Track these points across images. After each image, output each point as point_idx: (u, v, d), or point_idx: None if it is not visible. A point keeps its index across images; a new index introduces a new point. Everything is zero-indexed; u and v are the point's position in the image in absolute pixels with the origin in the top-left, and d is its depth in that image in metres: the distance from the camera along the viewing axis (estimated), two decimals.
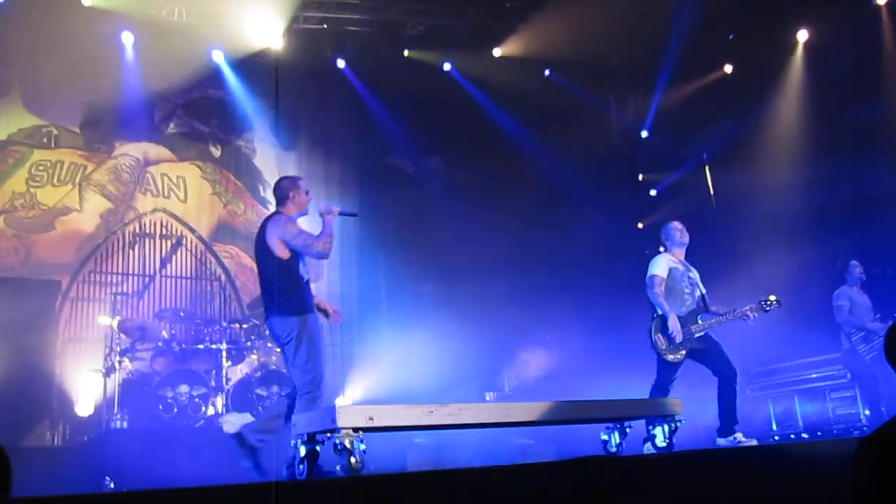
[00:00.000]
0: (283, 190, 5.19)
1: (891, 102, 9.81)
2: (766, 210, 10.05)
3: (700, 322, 6.00)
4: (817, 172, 9.92)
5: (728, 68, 11.11)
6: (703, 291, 6.25)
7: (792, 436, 8.42)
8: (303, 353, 4.72)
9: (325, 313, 5.19)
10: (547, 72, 11.40)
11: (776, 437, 8.54)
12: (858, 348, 7.21)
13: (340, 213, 5.16)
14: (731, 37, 10.61)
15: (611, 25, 10.03)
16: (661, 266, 6.10)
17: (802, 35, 10.40)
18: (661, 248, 6.45)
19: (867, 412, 7.66)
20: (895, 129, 9.82)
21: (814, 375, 8.63)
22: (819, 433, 8.12)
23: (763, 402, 8.93)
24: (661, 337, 5.89)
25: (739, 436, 5.71)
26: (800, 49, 10.50)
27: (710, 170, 11.52)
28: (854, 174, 9.66)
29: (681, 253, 6.26)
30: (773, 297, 6.03)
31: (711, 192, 11.30)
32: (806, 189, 9.89)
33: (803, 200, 9.85)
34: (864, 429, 7.56)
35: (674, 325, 5.82)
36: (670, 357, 5.87)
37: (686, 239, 6.27)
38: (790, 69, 10.55)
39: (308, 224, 5.32)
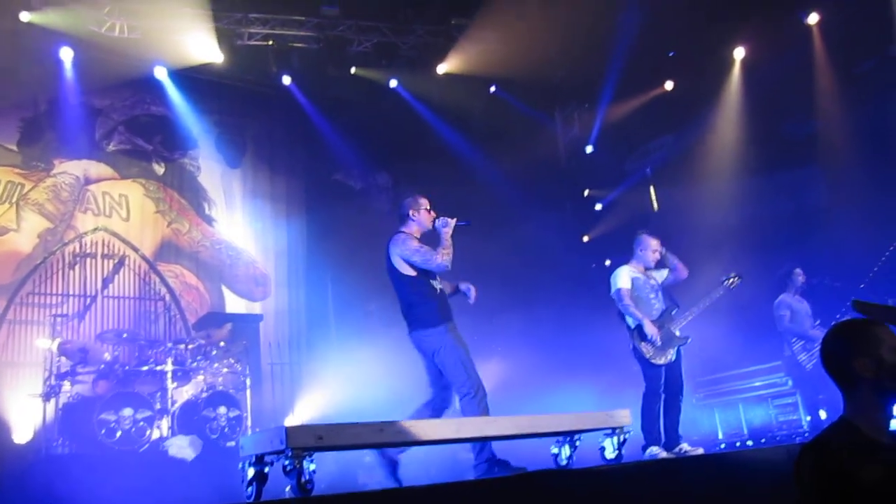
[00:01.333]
0: (404, 208, 5.33)
1: (824, 118, 10.15)
2: (707, 223, 10.26)
3: (675, 319, 6.04)
4: (756, 186, 10.19)
5: (669, 85, 11.37)
6: (667, 289, 6.31)
7: (737, 443, 8.58)
8: (450, 361, 4.90)
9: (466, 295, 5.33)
10: (493, 88, 11.51)
11: (722, 445, 8.69)
12: (799, 356, 7.38)
13: (457, 225, 5.18)
14: (671, 54, 10.85)
15: (555, 42, 10.19)
16: (623, 278, 6.14)
17: (739, 53, 10.70)
18: (639, 253, 6.36)
19: (808, 418, 7.85)
20: (829, 144, 10.17)
21: (757, 383, 8.82)
22: (763, 440, 8.29)
23: (709, 411, 9.09)
24: (644, 344, 5.90)
25: (685, 446, 5.80)
26: (737, 66, 10.80)
27: (653, 184, 11.75)
28: (791, 188, 9.95)
29: (642, 270, 6.28)
30: (732, 275, 6.18)
31: (655, 206, 11.52)
32: (745, 202, 10.15)
33: (743, 213, 10.10)
34: (806, 434, 7.74)
35: (650, 329, 5.85)
36: (660, 360, 5.89)
37: (653, 264, 6.30)
38: (728, 86, 10.85)
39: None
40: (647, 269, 6.28)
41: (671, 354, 5.93)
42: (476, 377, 4.85)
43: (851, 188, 9.74)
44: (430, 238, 5.17)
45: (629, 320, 6.01)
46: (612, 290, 6.14)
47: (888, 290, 8.24)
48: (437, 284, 5.10)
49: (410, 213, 5.27)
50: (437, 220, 5.17)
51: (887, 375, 2.31)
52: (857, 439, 2.28)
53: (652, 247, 6.26)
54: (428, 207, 5.29)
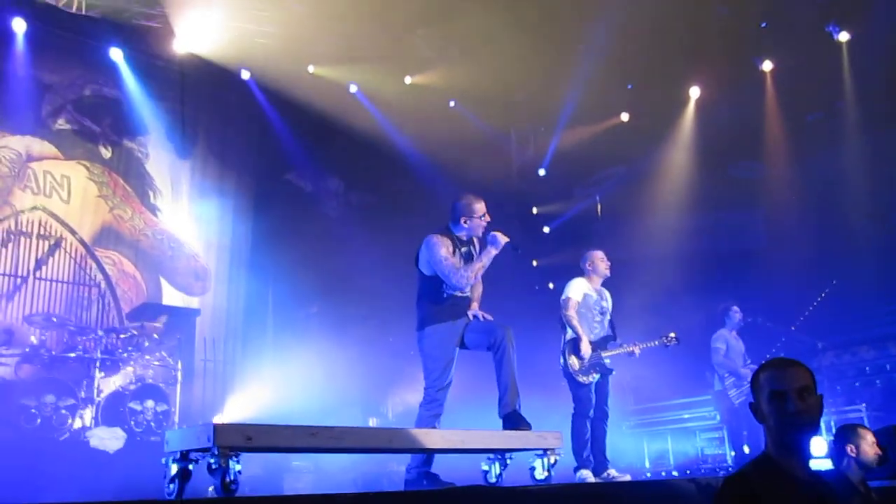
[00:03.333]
0: (457, 212, 5.02)
1: (771, 163, 10.45)
2: (651, 254, 10.46)
3: (609, 349, 6.09)
4: (699, 223, 10.43)
5: (625, 116, 11.58)
6: (612, 320, 6.35)
7: (663, 473, 8.72)
8: (423, 363, 4.87)
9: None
10: (452, 103, 11.55)
11: (648, 474, 8.82)
12: (729, 391, 7.54)
13: (507, 245, 4.91)
14: (629, 87, 11.06)
15: (518, 65, 10.29)
16: (576, 290, 6.17)
17: (695, 92, 10.97)
18: (589, 268, 6.39)
19: (733, 453, 8.03)
20: (773, 189, 10.46)
21: (686, 415, 9.00)
22: (688, 471, 8.44)
23: (638, 439, 9.23)
24: (574, 358, 5.92)
25: (613, 472, 5.87)
26: (692, 105, 11.08)
27: (601, 211, 11.92)
28: (733, 228, 10.20)
29: (598, 281, 6.32)
30: (672, 334, 6.26)
31: (601, 232, 11.68)
32: (688, 238, 10.37)
33: (685, 248, 10.32)
34: (730, 468, 7.90)
35: (585, 347, 5.89)
36: (583, 379, 5.91)
37: (608, 272, 6.33)
38: (682, 123, 11.11)
39: None
40: (602, 281, 6.32)
41: (595, 377, 5.96)
42: (437, 388, 4.77)
43: (790, 233, 10.03)
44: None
45: (568, 332, 6.04)
46: (563, 296, 6.16)
47: (819, 333, 8.51)
48: (448, 290, 4.88)
49: (462, 219, 4.99)
50: (489, 235, 4.93)
51: (766, 423, 2.40)
52: (775, 474, 2.34)
53: (598, 257, 6.32)
54: (482, 214, 5.00)
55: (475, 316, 4.93)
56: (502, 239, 4.89)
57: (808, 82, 10.17)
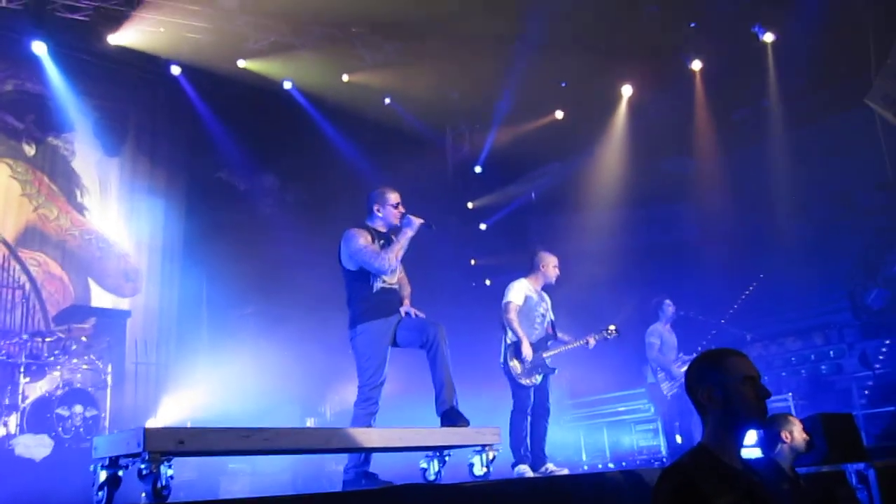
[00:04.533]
0: (370, 202, 5.04)
1: (700, 158, 10.71)
2: (585, 249, 10.61)
3: (550, 349, 6.17)
4: (632, 217, 10.64)
5: (559, 114, 11.72)
6: (552, 319, 6.45)
7: (599, 465, 8.86)
8: (357, 362, 4.83)
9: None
10: (387, 100, 11.52)
11: (585, 467, 8.95)
12: (662, 384, 7.68)
13: (421, 227, 4.90)
14: (563, 84, 11.19)
15: (452, 63, 10.32)
16: (516, 293, 6.23)
17: (627, 90, 11.17)
18: (541, 268, 6.43)
19: (666, 444, 8.19)
20: (702, 183, 10.73)
21: (621, 408, 9.16)
22: (624, 463, 8.60)
23: (575, 432, 9.35)
24: (515, 361, 6.00)
25: (551, 466, 5.96)
26: (624, 103, 11.28)
27: (536, 207, 12.05)
28: (665, 222, 10.43)
29: (541, 283, 6.39)
30: (612, 327, 6.38)
31: (537, 228, 11.81)
32: (621, 232, 10.57)
33: (618, 243, 10.51)
34: (664, 459, 8.07)
35: (526, 349, 5.97)
36: (525, 381, 5.98)
37: (554, 279, 6.40)
38: (614, 120, 11.30)
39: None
40: (546, 284, 6.39)
41: (537, 379, 6.04)
42: (371, 386, 4.74)
43: (719, 227, 10.31)
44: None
45: (509, 334, 6.10)
46: (504, 299, 6.21)
47: (747, 325, 8.75)
48: (377, 283, 4.85)
49: (375, 208, 5.01)
50: (403, 218, 4.94)
51: (732, 405, 2.41)
52: (712, 465, 2.37)
53: (552, 262, 6.41)
54: (396, 203, 5.01)
55: (407, 313, 4.92)
56: (416, 220, 4.92)
57: (735, 81, 10.47)
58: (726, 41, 10.04)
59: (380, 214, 5.02)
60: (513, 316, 6.08)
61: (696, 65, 10.53)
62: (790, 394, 8.31)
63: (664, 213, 10.43)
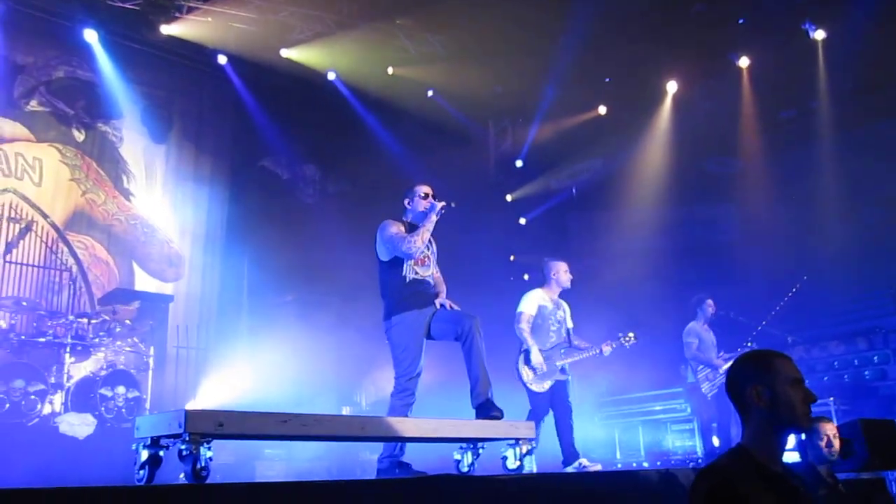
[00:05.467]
0: (403, 198, 5.25)
1: (745, 158, 10.54)
2: (626, 247, 10.53)
3: (563, 356, 6.35)
4: (674, 217, 10.51)
5: (602, 109, 11.61)
6: (571, 327, 6.62)
7: (634, 464, 8.80)
8: (392, 353, 4.89)
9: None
10: (430, 92, 11.53)
11: (619, 465, 8.90)
12: (702, 384, 7.60)
13: (445, 207, 5.04)
14: (607, 80, 11.09)
15: (496, 56, 10.29)
16: (529, 303, 6.45)
17: (672, 86, 11.03)
18: (553, 277, 6.59)
19: (702, 445, 8.11)
20: (746, 184, 10.56)
21: (657, 408, 9.08)
22: (659, 463, 8.53)
23: (610, 430, 9.30)
24: (526, 369, 6.24)
25: (584, 461, 6.06)
26: (669, 99, 11.13)
27: (576, 203, 11.97)
28: (706, 222, 10.29)
29: (557, 291, 6.57)
30: (631, 334, 6.48)
31: (577, 225, 11.74)
32: (662, 232, 10.45)
33: (658, 242, 10.40)
34: (699, 461, 7.99)
35: (536, 357, 6.19)
36: (535, 388, 6.22)
37: (569, 284, 6.58)
38: (658, 117, 11.17)
39: None
40: (562, 291, 6.57)
41: (548, 385, 6.25)
42: (407, 377, 4.79)
43: (763, 228, 10.14)
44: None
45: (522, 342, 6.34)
46: (517, 309, 6.45)
47: (789, 327, 8.62)
48: (409, 273, 4.96)
49: (406, 202, 5.22)
50: (429, 206, 5.08)
51: (778, 407, 2.38)
52: (751, 467, 2.33)
53: (563, 269, 6.57)
54: (425, 194, 5.16)
55: (442, 305, 4.97)
56: (438, 204, 5.04)
57: (784, 79, 10.27)
58: (775, 38, 9.85)
59: (409, 207, 5.19)
60: (524, 326, 6.32)
61: (744, 62, 10.36)
62: (832, 398, 8.17)
63: (707, 213, 10.29)
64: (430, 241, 5.15)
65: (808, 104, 10.56)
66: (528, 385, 6.25)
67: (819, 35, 9.72)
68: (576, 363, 6.48)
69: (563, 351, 6.39)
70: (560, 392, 6.28)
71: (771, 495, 2.25)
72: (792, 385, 2.39)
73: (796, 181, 10.36)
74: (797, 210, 10.02)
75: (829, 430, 4.25)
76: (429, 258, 5.12)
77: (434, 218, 5.01)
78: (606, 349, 6.44)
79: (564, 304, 6.66)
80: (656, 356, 9.06)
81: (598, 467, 6.06)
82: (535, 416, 6.18)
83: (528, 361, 6.23)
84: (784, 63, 10.09)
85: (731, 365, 2.56)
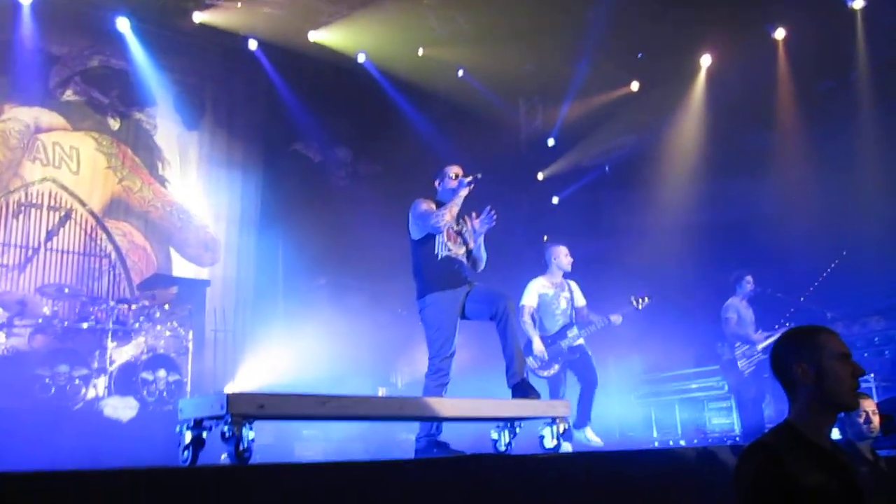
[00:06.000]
0: (434, 178, 5.34)
1: (781, 132, 10.34)
2: (660, 224, 10.42)
3: (569, 336, 6.61)
4: (709, 192, 10.36)
5: (635, 85, 11.47)
6: (581, 304, 6.82)
7: (671, 442, 8.76)
8: (426, 334, 4.91)
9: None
10: (460, 72, 11.47)
11: (656, 443, 8.87)
12: (739, 361, 7.54)
13: (473, 181, 5.08)
14: (639, 55, 10.94)
15: (525, 34, 10.19)
16: (530, 295, 6.71)
17: (706, 60, 10.84)
18: (554, 262, 6.79)
19: (740, 423, 8.05)
20: (784, 158, 10.37)
21: (694, 386, 9.01)
22: (696, 441, 8.48)
23: (646, 409, 9.26)
24: (529, 358, 6.45)
25: (589, 431, 6.39)
26: (702, 73, 10.95)
27: (610, 181, 11.86)
28: (743, 197, 10.12)
29: (559, 274, 6.82)
30: (646, 296, 6.59)
31: (610, 203, 11.64)
32: (697, 208, 10.32)
33: (694, 219, 10.27)
34: (737, 438, 7.93)
35: (537, 346, 6.48)
36: (543, 374, 6.53)
37: (569, 267, 6.81)
38: (692, 92, 10.99)
39: None
40: (564, 275, 6.80)
41: (556, 369, 6.53)
42: (441, 357, 4.81)
43: (801, 203, 9.96)
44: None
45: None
46: (519, 303, 6.58)
47: (828, 303, 8.49)
48: (442, 251, 4.99)
49: (436, 182, 5.33)
50: (458, 183, 5.12)
51: (825, 384, 2.35)
52: (799, 443, 2.31)
53: (562, 253, 6.80)
54: (456, 174, 5.21)
55: (476, 286, 5.01)
56: (464, 179, 5.08)
57: (821, 50, 10.03)
58: (812, 9, 9.62)
59: (439, 188, 5.28)
60: (525, 318, 6.56)
61: (780, 33, 10.14)
62: (872, 375, 8.05)
63: (743, 188, 10.11)
64: (463, 220, 5.17)
65: (846, 75, 10.31)
66: (535, 372, 6.49)
67: (857, 4, 9.47)
68: (607, 344, 6.66)
69: (571, 331, 6.62)
70: (580, 366, 6.54)
71: (819, 472, 2.23)
72: (839, 360, 2.35)
73: (835, 154, 10.15)
74: (836, 184, 9.82)
75: (869, 406, 4.19)
76: (461, 237, 5.14)
77: (463, 193, 5.04)
78: (616, 318, 6.64)
79: (570, 284, 6.85)
80: (692, 334, 8.98)
81: (599, 442, 6.38)
82: (552, 397, 6.47)
83: (529, 351, 6.43)
84: (821, 34, 9.86)
85: (776, 342, 2.52)
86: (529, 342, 6.48)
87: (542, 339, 6.61)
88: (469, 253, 5.18)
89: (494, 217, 5.05)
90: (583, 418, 6.41)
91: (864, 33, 9.64)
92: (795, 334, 2.46)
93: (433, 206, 5.07)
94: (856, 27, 9.62)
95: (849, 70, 10.08)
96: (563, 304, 6.70)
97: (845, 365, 2.36)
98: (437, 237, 4.99)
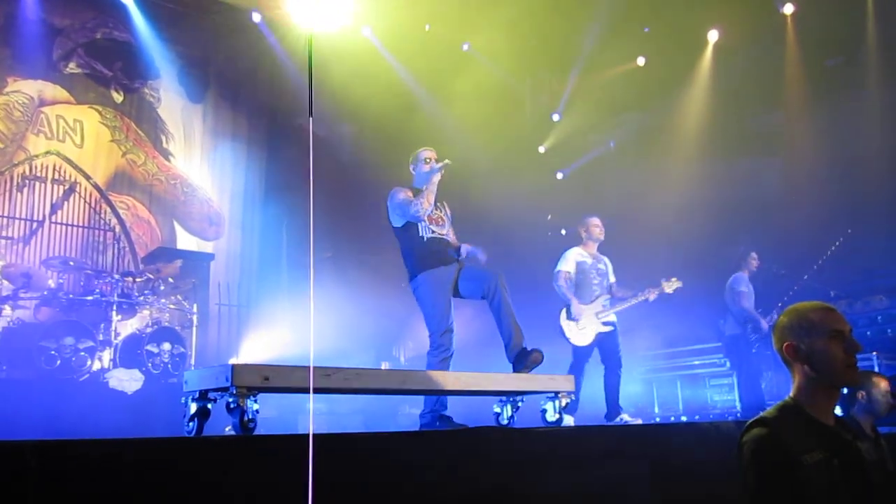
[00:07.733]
0: (410, 164, 5.40)
1: (789, 109, 10.28)
2: (665, 201, 10.39)
3: (607, 308, 6.54)
4: (714, 170, 10.32)
5: (641, 61, 11.38)
6: (613, 281, 6.81)
7: (672, 418, 8.81)
8: (423, 311, 5.00)
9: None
10: (465, 46, 11.39)
11: (658, 419, 8.92)
12: (751, 336, 7.55)
13: (441, 168, 5.15)
14: (646, 30, 10.84)
15: (533, 7, 10.11)
16: (568, 261, 6.68)
17: (713, 35, 10.75)
18: (584, 234, 6.84)
19: (740, 400, 8.08)
20: (791, 138, 10.32)
21: (696, 362, 9.06)
22: (697, 417, 8.53)
23: (648, 385, 9.31)
24: (567, 322, 6.45)
25: (626, 416, 6.24)
26: (710, 49, 10.86)
27: (615, 158, 11.81)
28: (749, 175, 10.09)
29: (594, 246, 6.80)
30: (674, 279, 6.58)
31: (615, 180, 11.60)
32: (702, 185, 10.28)
33: (699, 196, 10.24)
34: (738, 415, 7.97)
35: (576, 310, 6.44)
36: (577, 341, 6.44)
37: (602, 236, 6.81)
38: (699, 68, 10.91)
39: None
40: (595, 242, 6.79)
41: (591, 338, 6.45)
42: (440, 332, 4.88)
43: (806, 181, 9.93)
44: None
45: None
46: (556, 268, 6.67)
47: (832, 282, 8.49)
48: (426, 233, 5.10)
49: (411, 168, 5.37)
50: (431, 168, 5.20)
51: (815, 363, 2.33)
52: (800, 419, 2.31)
53: (594, 224, 6.80)
54: (428, 158, 5.28)
55: (466, 264, 5.11)
56: (436, 165, 5.17)
57: (830, 27, 9.94)
58: None
59: (414, 172, 5.35)
60: (562, 283, 6.57)
61: (789, 8, 10.05)
62: (875, 353, 8.06)
63: (749, 166, 10.08)
64: (443, 205, 5.31)
65: (855, 52, 10.22)
66: (570, 339, 6.44)
67: None
68: (621, 319, 6.62)
69: (606, 303, 6.57)
70: (607, 344, 6.48)
71: (821, 449, 2.23)
72: (830, 338, 2.32)
73: (842, 132, 10.09)
74: (842, 161, 9.77)
75: (879, 385, 4.19)
76: (443, 219, 5.25)
77: (435, 179, 5.12)
78: (652, 294, 6.62)
79: (605, 259, 6.84)
80: (695, 312, 8.99)
81: (639, 422, 6.25)
82: (576, 369, 6.41)
83: (568, 315, 6.43)
84: (830, 9, 9.76)
85: (776, 320, 2.52)
86: (568, 306, 6.47)
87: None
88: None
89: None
90: (615, 406, 6.32)
91: (873, 9, 9.55)
92: (788, 313, 2.44)
93: (409, 193, 5.14)
94: (865, 2, 9.53)
95: (857, 46, 9.99)
96: (599, 276, 6.72)
97: (838, 342, 2.32)
98: (418, 222, 5.10)
